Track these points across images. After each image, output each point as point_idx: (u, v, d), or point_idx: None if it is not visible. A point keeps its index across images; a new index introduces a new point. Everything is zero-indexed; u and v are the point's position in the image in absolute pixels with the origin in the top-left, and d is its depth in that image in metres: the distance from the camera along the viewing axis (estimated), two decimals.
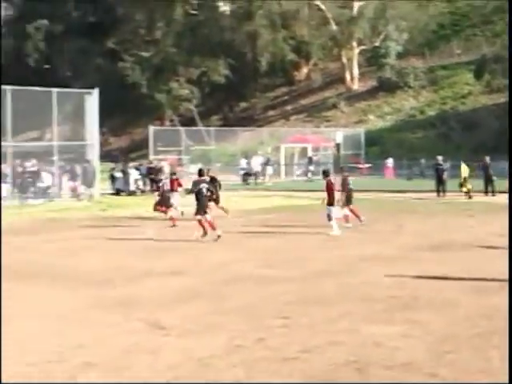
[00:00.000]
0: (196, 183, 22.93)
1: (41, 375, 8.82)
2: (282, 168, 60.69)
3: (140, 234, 23.20)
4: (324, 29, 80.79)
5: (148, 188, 43.52)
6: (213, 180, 28.15)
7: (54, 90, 40.65)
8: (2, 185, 38.18)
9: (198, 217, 22.07)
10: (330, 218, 22.87)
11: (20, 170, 39.75)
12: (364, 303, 12.41)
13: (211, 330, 10.80)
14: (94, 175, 40.40)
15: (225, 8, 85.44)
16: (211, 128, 64.90)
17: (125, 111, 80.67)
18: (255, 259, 17.92)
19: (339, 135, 61.84)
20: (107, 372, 8.91)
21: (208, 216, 22.16)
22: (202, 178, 23.30)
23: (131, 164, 50.01)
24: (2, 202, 37.18)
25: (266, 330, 10.68)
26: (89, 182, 40.33)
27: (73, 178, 41.20)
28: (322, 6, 77.85)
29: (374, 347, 9.70)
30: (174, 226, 25.53)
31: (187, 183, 48.88)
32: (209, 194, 22.77)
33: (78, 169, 41.04)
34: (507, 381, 8.17)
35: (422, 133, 68.52)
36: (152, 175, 42.58)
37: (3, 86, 38.91)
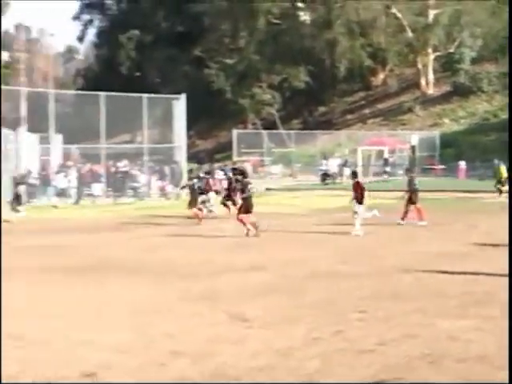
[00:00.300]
0: (245, 184, 23.02)
1: (133, 362, 8.91)
2: (359, 169, 60.31)
3: (222, 231, 23.25)
4: (400, 36, 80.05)
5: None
6: (231, 184, 29.25)
7: (145, 95, 41.21)
8: (96, 184, 38.81)
9: (242, 216, 22.28)
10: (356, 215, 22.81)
11: (113, 170, 40.35)
12: (437, 298, 12.21)
13: (290, 323, 10.76)
14: (181, 175, 40.77)
15: (305, 17, 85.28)
16: (292, 131, 64.84)
17: (210, 115, 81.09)
18: (332, 255, 17.84)
19: (414, 138, 61.36)
20: (194, 360, 8.95)
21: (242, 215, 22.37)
22: (247, 179, 23.50)
23: (216, 165, 50.25)
24: (97, 200, 37.86)
25: (343, 323, 10.59)
26: (176, 182, 40.73)
27: (161, 178, 41.67)
28: (399, 14, 77.11)
29: (447, 341, 9.54)
30: (198, 223, 26.06)
31: (268, 183, 49.05)
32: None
33: (167, 169, 41.49)
34: (507, 381, 7.92)
35: (495, 135, 67.26)
36: (236, 175, 42.70)
37: (99, 92, 39.57)
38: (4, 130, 37.85)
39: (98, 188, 38.78)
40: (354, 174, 24.20)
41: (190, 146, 52.80)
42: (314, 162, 59.19)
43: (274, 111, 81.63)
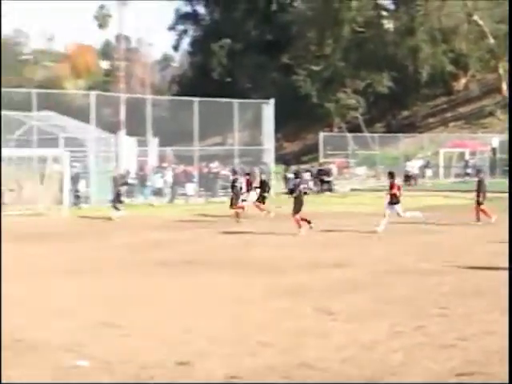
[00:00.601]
0: (297, 185, 23.19)
1: (225, 351, 9.00)
2: (441, 170, 59.62)
3: (308, 229, 23.20)
4: (482, 43, 78.47)
5: (318, 188, 43.49)
6: (263, 183, 29.66)
7: (235, 100, 41.50)
8: (190, 184, 39.16)
9: (297, 216, 22.32)
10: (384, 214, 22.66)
11: (205, 171, 40.67)
12: None
13: (374, 317, 10.71)
14: (269, 176, 40.82)
15: (389, 25, 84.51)
16: (375, 134, 64.22)
17: (297, 119, 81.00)
18: (414, 253, 17.68)
19: (495, 140, 60.23)
20: (281, 351, 8.98)
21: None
22: (299, 179, 23.58)
23: (303, 166, 50.19)
24: (190, 199, 38.27)
25: (425, 319, 10.49)
26: None
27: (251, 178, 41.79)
28: (480, 22, 75.66)
29: None
30: (238, 221, 26.67)
31: (353, 184, 48.72)
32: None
33: (256, 170, 41.52)
34: (507, 381, 7.70)
35: None
36: (322, 176, 42.63)
37: (192, 98, 40.00)
38: (105, 134, 38.62)
39: (191, 188, 39.18)
40: (391, 174, 23.89)
41: (277, 148, 52.84)
42: (398, 163, 58.56)
43: (359, 115, 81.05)
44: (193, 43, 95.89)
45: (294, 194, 22.95)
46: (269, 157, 42.03)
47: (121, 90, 51.06)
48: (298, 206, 22.50)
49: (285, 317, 10.87)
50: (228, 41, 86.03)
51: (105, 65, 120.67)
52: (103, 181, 34.07)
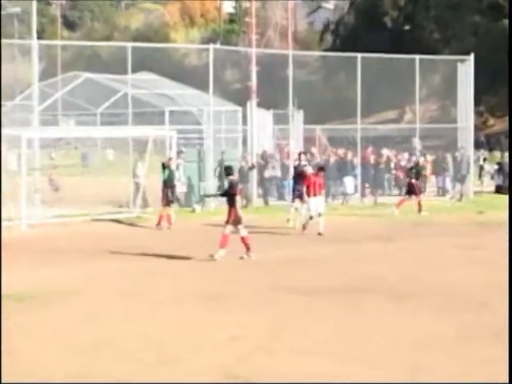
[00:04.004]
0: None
1: None
2: None
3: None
4: None
5: None
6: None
7: (417, 56, 41.02)
8: (349, 178, 38.95)
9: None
10: None
11: (372, 159, 40.28)
12: None
13: None
14: (467, 167, 40.08)
15: None
16: None
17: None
18: None
19: None
20: None
21: None
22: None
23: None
24: (349, 198, 38.25)
25: None
26: (461, 177, 40.03)
27: (440, 169, 41.19)
28: None
29: None
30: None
31: None
32: None
33: (448, 158, 40.87)
34: (507, 381, 8.77)
35: None
36: None
37: (354, 54, 39.90)
38: (229, 106, 39.04)
39: (350, 183, 38.90)
40: None
41: (479, 127, 52.29)
42: None
43: None
44: None
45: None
46: (466, 139, 41.35)
47: (252, 44, 51.58)
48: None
49: (479, 371, 10.81)
50: None
51: (228, 7, 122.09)
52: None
